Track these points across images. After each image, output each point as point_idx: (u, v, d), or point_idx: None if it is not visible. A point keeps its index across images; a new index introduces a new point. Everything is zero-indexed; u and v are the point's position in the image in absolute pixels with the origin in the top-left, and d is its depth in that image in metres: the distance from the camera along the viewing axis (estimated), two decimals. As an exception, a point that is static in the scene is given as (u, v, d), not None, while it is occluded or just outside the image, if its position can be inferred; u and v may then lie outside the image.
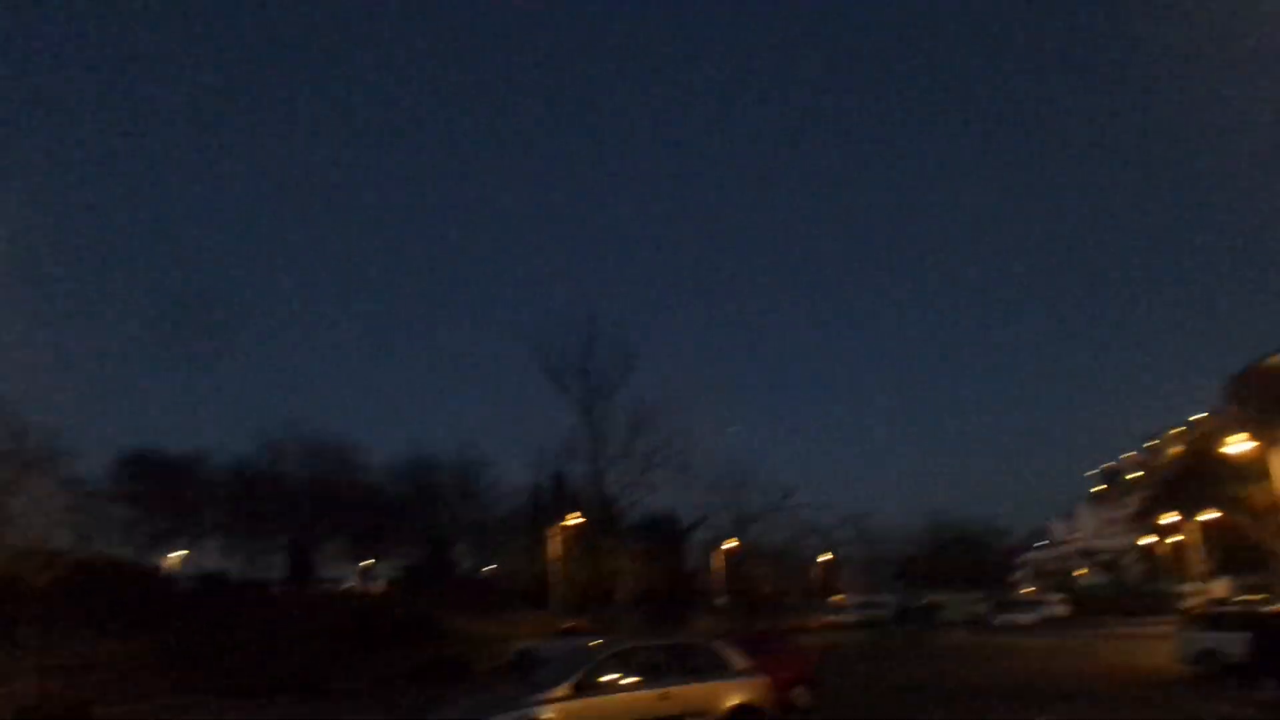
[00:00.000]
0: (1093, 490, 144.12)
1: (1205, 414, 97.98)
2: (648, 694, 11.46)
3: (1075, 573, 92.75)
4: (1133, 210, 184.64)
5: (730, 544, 52.99)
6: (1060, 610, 67.36)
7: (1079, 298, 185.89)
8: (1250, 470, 32.42)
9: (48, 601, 21.35)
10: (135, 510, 48.35)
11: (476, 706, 11.38)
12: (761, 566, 60.22)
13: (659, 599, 59.74)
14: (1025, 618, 60.89)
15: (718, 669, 12.46)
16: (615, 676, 11.54)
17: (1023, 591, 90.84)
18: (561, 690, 10.97)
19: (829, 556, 69.66)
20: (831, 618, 72.26)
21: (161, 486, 48.98)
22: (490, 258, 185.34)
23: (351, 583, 67.64)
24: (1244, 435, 32.07)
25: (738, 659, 12.72)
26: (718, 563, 61.85)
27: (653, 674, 11.94)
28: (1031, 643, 38.25)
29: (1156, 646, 28.46)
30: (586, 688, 11.09)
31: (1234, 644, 18.49)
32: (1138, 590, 78.60)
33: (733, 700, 11.96)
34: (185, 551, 53.27)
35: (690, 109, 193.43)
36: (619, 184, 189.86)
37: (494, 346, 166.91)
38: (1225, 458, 33.96)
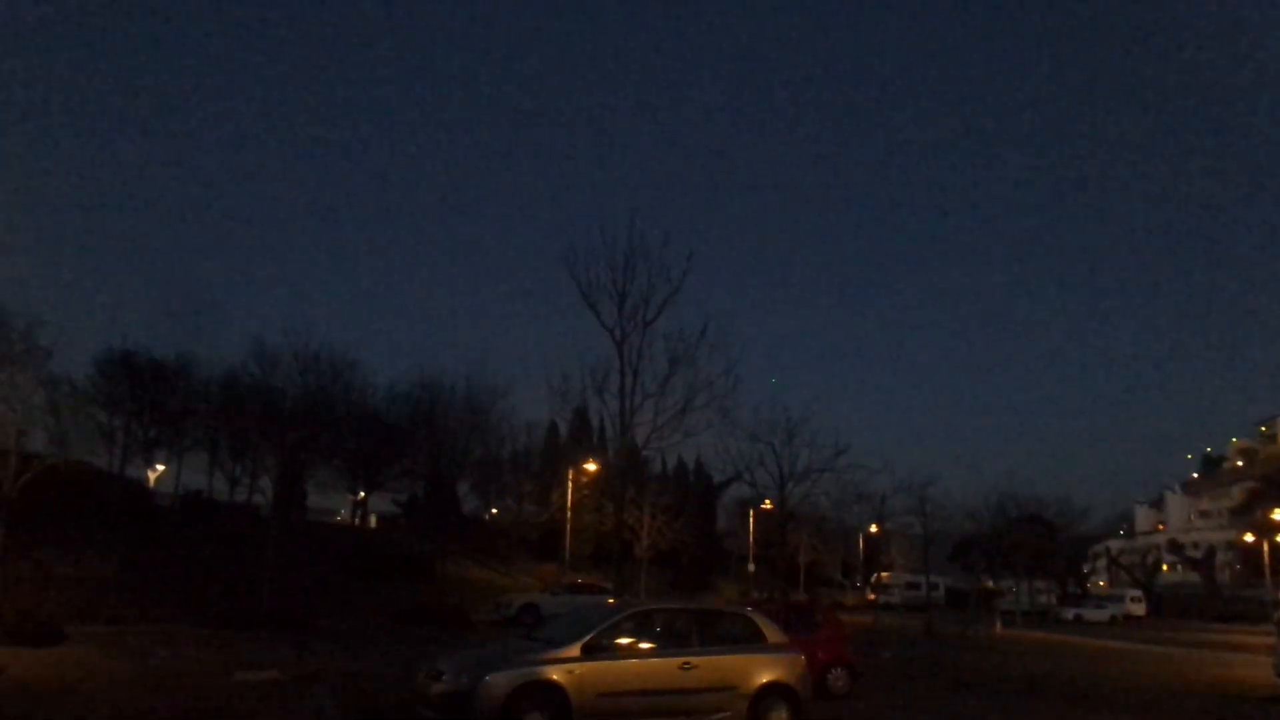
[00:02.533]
0: (1187, 477, 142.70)
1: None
2: (668, 662, 11.30)
3: (1159, 568, 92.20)
4: (1253, 184, 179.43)
5: (767, 505, 52.99)
6: (1136, 609, 67.22)
7: (1192, 260, 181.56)
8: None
9: (18, 510, 21.57)
10: (116, 416, 48.89)
11: (475, 661, 11.15)
12: (801, 533, 60.34)
13: (683, 559, 60.28)
14: (1096, 614, 60.85)
15: (749, 640, 12.25)
16: (632, 640, 11.36)
17: (1095, 585, 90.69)
18: (571, 650, 10.82)
19: (877, 528, 69.59)
20: (874, 596, 72.71)
21: (145, 392, 49.35)
22: (523, 163, 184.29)
23: (344, 515, 68.94)
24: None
25: (773, 631, 12.54)
26: (752, 524, 62.13)
27: (675, 640, 11.82)
28: (1101, 644, 38.18)
29: (1250, 658, 28.36)
30: (599, 650, 10.90)
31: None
32: (1231, 593, 78.17)
33: (764, 677, 11.75)
34: (166, 466, 54.10)
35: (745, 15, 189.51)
36: (668, 92, 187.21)
37: (522, 259, 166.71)
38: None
